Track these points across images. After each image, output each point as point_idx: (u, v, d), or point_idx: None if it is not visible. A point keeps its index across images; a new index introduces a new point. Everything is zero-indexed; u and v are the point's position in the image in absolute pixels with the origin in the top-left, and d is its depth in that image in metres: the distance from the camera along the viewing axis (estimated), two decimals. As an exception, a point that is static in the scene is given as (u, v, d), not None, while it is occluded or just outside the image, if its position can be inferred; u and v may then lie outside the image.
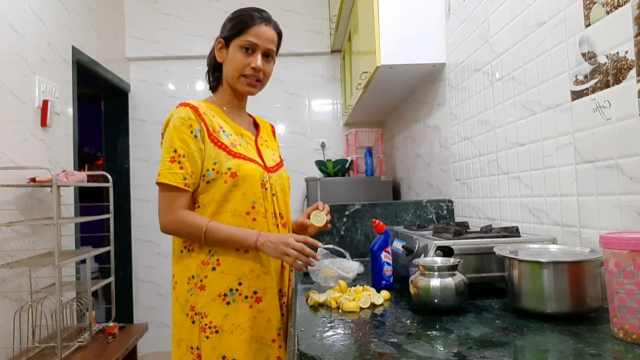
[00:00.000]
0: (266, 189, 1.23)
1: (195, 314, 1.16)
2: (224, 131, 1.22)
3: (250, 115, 1.42)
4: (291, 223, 1.37)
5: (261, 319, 1.18)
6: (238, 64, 1.23)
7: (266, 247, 1.13)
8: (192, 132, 1.17)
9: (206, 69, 1.36)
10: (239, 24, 1.24)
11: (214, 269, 1.17)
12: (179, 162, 1.15)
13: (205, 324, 1.14)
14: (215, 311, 1.15)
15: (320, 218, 1.29)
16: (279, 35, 1.30)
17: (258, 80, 1.26)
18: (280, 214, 1.29)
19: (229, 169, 1.17)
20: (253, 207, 1.20)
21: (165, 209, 1.17)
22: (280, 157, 1.41)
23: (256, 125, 1.41)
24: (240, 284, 1.17)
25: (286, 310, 1.28)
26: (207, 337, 1.14)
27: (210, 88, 1.35)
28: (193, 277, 1.18)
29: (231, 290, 1.16)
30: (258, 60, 1.24)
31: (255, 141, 1.32)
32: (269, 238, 1.14)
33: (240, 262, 1.17)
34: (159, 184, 1.17)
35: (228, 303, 1.16)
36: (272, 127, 1.49)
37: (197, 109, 1.20)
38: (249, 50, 1.23)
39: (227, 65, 1.26)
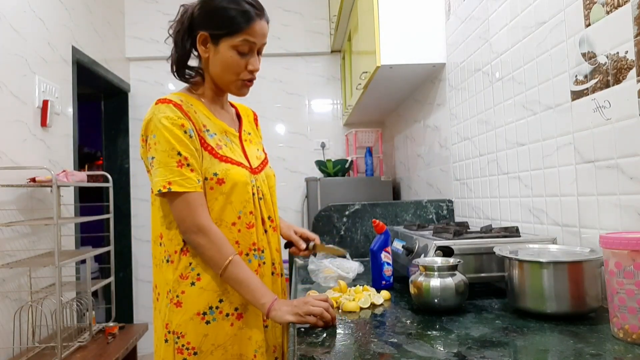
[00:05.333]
0: (253, 194, 1.12)
1: (169, 332, 1.04)
2: (207, 130, 1.10)
3: (232, 105, 1.28)
4: (279, 223, 1.27)
5: (242, 336, 1.07)
6: (234, 67, 1.10)
7: (277, 319, 0.98)
8: (185, 132, 1.04)
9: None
10: (231, 22, 1.07)
11: (192, 284, 1.05)
12: (188, 165, 1.03)
13: (183, 345, 1.03)
14: (193, 331, 1.04)
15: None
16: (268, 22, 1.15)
17: (252, 80, 1.15)
18: (269, 217, 1.18)
19: (215, 174, 1.06)
20: (239, 218, 1.09)
21: (192, 212, 1.02)
22: (264, 151, 1.29)
23: (238, 116, 1.28)
24: (221, 300, 1.06)
25: None
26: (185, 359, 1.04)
27: (185, 81, 1.18)
28: (170, 291, 1.06)
29: (211, 308, 1.05)
30: (256, 62, 1.12)
31: (240, 137, 1.21)
32: (281, 309, 0.98)
33: None
34: (172, 193, 1.01)
35: (208, 322, 1.05)
36: (255, 114, 1.34)
37: (182, 107, 1.06)
38: (244, 50, 1.10)
39: (217, 65, 1.11)
